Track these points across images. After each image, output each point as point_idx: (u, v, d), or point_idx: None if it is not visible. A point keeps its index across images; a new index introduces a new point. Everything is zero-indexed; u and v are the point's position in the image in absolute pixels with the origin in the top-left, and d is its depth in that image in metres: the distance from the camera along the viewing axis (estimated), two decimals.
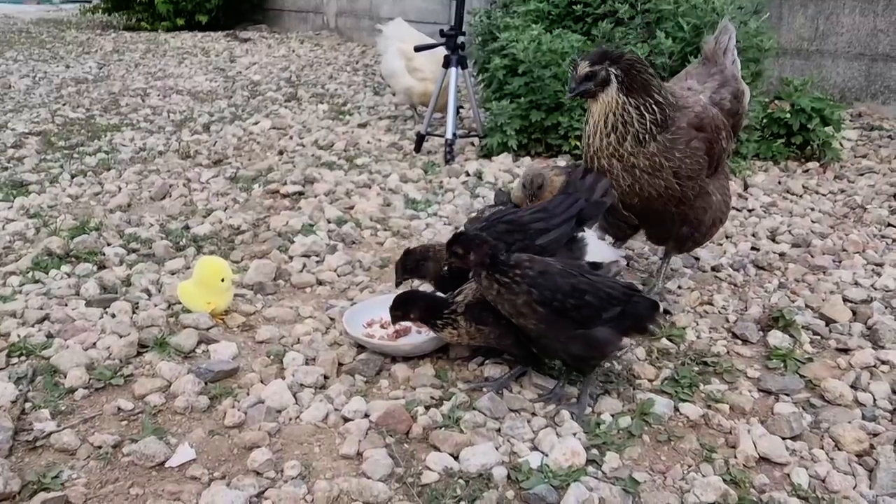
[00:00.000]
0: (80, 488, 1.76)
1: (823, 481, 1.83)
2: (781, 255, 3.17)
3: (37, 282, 2.86)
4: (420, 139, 4.74)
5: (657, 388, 2.19)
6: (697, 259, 3.08)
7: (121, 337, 2.39)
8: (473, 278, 2.09)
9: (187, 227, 3.43)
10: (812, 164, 4.39)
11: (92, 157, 4.65)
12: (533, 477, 1.79)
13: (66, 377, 2.18)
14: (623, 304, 2.03)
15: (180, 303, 2.60)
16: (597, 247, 2.42)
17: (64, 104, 6.31)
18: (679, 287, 2.85)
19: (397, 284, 2.46)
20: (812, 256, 3.13)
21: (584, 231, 2.37)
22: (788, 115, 4.35)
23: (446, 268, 2.30)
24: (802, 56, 5.76)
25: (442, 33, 4.65)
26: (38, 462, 1.86)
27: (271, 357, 2.34)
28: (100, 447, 1.90)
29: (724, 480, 1.80)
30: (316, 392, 2.16)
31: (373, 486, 1.74)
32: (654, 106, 2.36)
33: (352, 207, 3.71)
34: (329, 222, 3.50)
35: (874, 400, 2.14)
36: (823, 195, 3.95)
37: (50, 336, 2.43)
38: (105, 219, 3.54)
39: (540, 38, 4.33)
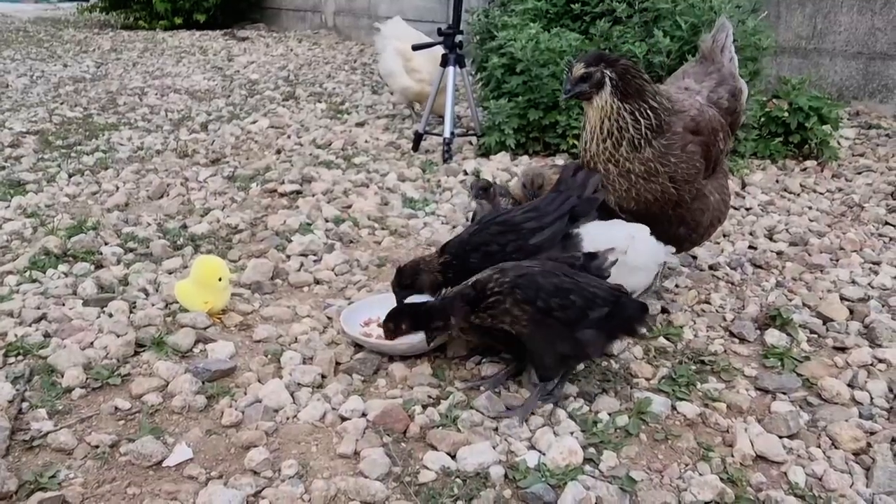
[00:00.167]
0: (77, 488, 1.76)
1: (820, 480, 1.83)
2: (779, 253, 3.17)
3: (34, 281, 2.86)
4: (418, 138, 4.74)
5: (654, 387, 2.19)
6: (695, 258, 3.08)
7: (118, 336, 2.39)
8: (460, 329, 2.11)
9: (185, 227, 3.43)
10: (810, 163, 4.39)
11: (89, 156, 4.64)
12: (530, 476, 1.79)
13: (63, 377, 2.18)
14: (610, 304, 2.02)
15: (178, 302, 2.60)
16: (647, 247, 2.44)
17: (61, 103, 6.30)
18: (676, 286, 2.85)
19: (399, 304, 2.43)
20: (809, 255, 3.14)
21: (578, 228, 2.37)
22: (786, 114, 4.35)
23: (440, 277, 2.30)
24: (800, 55, 5.77)
25: (440, 32, 4.65)
26: (35, 462, 1.86)
27: (269, 356, 2.34)
28: (97, 447, 1.90)
29: (721, 479, 1.81)
30: (313, 391, 2.16)
31: (370, 486, 1.75)
32: (648, 111, 2.36)
33: (349, 206, 3.70)
34: (327, 221, 3.50)
35: (871, 398, 2.14)
36: (821, 194, 3.95)
37: (47, 335, 2.43)
38: (102, 218, 3.53)
39: (538, 37, 4.33)
